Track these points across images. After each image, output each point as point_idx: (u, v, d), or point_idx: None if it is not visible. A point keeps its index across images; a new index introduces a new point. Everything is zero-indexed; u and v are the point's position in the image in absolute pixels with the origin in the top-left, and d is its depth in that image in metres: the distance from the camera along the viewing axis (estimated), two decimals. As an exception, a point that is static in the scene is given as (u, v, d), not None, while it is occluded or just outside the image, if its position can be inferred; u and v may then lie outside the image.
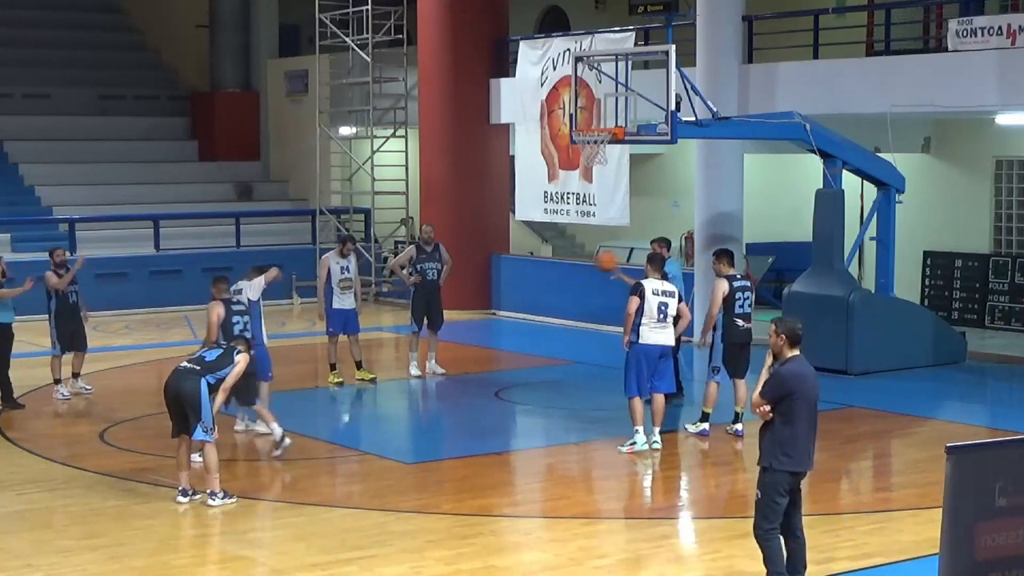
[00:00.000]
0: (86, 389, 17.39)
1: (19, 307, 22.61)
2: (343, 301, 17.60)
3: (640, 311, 13.63)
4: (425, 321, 18.20)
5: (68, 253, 17.27)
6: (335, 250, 17.82)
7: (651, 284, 13.74)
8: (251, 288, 14.68)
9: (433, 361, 18.30)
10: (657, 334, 13.68)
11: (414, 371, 18.25)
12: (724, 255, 14.88)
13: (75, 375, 17.40)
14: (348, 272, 17.59)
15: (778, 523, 9.26)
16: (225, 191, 30.01)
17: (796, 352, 9.27)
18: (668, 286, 13.83)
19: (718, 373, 14.60)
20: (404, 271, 18.39)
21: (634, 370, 13.73)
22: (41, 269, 24.54)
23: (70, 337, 17.11)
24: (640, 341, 13.67)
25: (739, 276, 14.76)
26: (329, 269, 17.55)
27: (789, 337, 9.25)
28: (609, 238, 25.91)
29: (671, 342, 13.87)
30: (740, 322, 14.59)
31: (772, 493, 9.20)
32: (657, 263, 13.98)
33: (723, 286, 14.52)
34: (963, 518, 8.11)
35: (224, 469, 12.26)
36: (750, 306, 14.69)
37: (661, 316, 13.68)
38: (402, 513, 11.72)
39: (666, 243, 15.77)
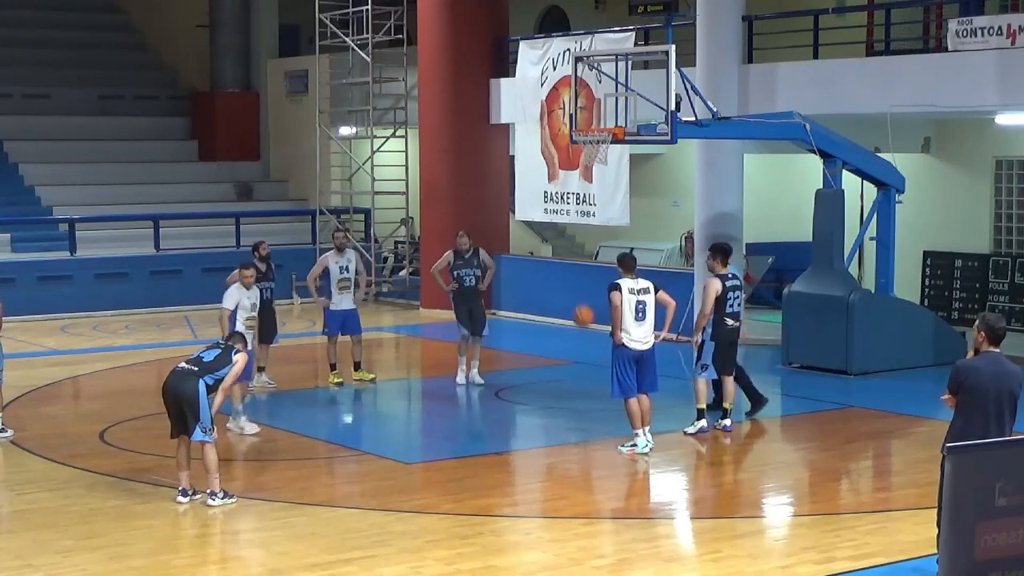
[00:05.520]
0: (270, 383, 17.44)
1: (23, 306, 22.76)
2: (341, 302, 17.56)
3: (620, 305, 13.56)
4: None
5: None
6: (332, 250, 17.78)
7: (627, 283, 13.64)
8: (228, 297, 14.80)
9: (475, 371, 17.65)
10: (635, 337, 13.63)
11: (460, 379, 17.58)
12: (720, 252, 14.84)
13: (260, 369, 17.29)
14: (347, 272, 17.53)
15: None
16: (225, 191, 30.02)
17: (993, 349, 9.38)
18: (643, 283, 13.71)
19: (706, 370, 14.60)
20: (440, 278, 17.77)
21: (618, 373, 13.68)
22: (41, 269, 24.78)
23: (260, 330, 17.15)
24: (620, 344, 13.66)
25: (731, 275, 14.76)
26: (327, 268, 17.50)
27: (988, 334, 9.39)
28: (609, 238, 25.93)
29: (650, 343, 13.76)
30: (729, 321, 14.64)
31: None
32: (629, 263, 13.81)
33: (716, 285, 14.52)
34: (963, 518, 8.12)
35: (224, 469, 12.25)
36: (739, 305, 14.72)
37: (639, 315, 13.61)
38: (402, 513, 11.71)
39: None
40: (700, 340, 14.61)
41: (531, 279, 24.43)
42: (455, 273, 17.56)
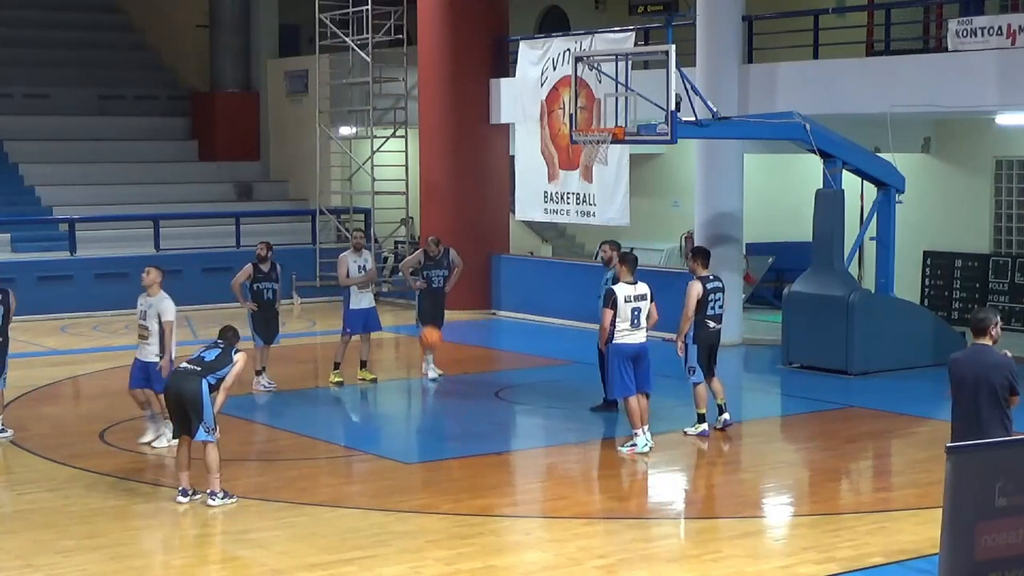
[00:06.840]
0: (271, 384, 17.43)
1: (23, 306, 22.71)
2: (361, 301, 17.61)
3: (612, 320, 13.62)
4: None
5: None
6: (350, 249, 17.82)
7: (623, 291, 13.66)
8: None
9: (432, 364, 18.14)
10: (631, 337, 13.68)
11: (431, 373, 18.09)
12: (700, 255, 14.86)
13: (259, 371, 17.32)
14: (365, 271, 17.60)
15: None
16: (225, 191, 30.02)
17: (979, 340, 9.68)
18: (641, 289, 13.75)
19: (694, 373, 14.59)
20: (410, 275, 18.14)
21: (618, 371, 13.70)
22: (41, 269, 24.77)
23: (264, 330, 17.19)
24: (615, 342, 13.68)
25: (712, 277, 14.75)
26: (348, 268, 17.54)
27: (971, 327, 9.77)
28: (609, 238, 25.89)
29: (644, 340, 13.85)
30: (711, 323, 14.61)
31: None
32: (631, 263, 13.86)
33: (697, 287, 14.50)
34: (963, 518, 8.13)
35: (224, 469, 12.25)
36: (721, 307, 14.70)
37: (635, 322, 13.65)
38: (402, 513, 11.72)
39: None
40: (684, 344, 14.59)
41: (531, 279, 24.43)
42: (424, 273, 17.92)
